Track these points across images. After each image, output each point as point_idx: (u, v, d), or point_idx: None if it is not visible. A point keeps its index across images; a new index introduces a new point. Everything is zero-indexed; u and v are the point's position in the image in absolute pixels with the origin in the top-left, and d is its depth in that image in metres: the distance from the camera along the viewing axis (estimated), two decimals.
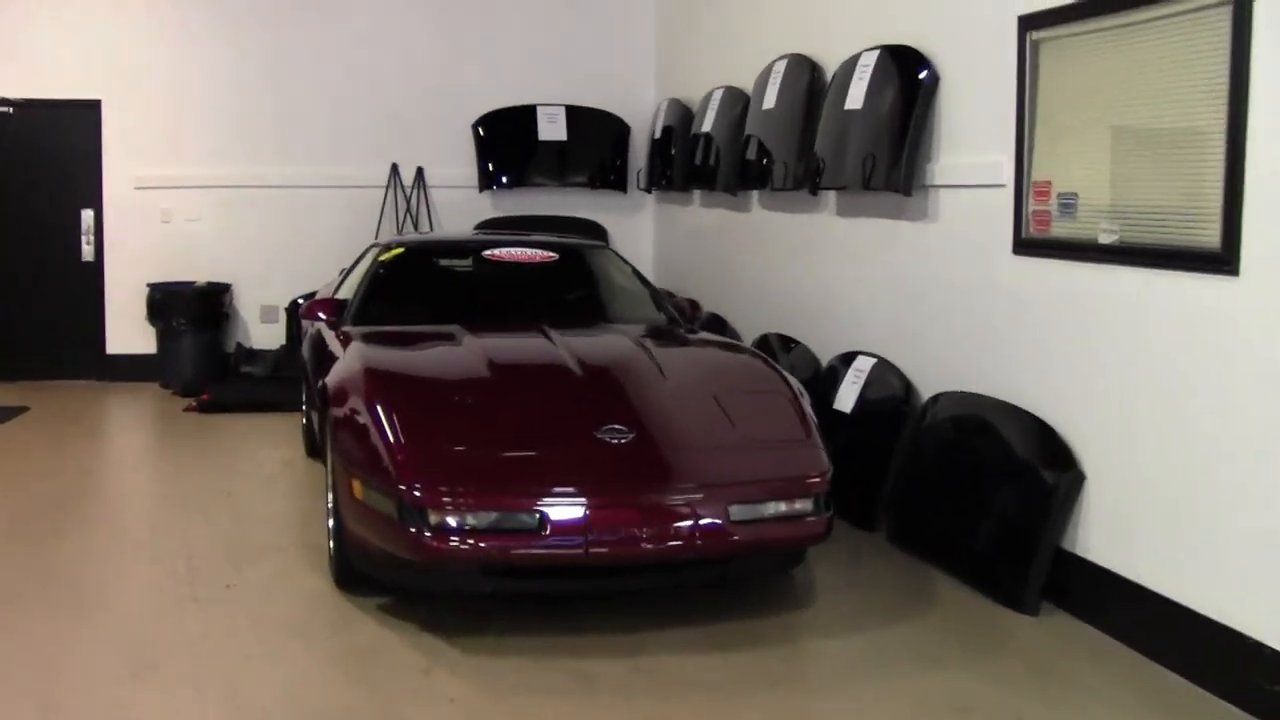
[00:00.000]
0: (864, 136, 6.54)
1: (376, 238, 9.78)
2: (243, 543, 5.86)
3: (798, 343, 7.70)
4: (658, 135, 10.17)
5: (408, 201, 10.15)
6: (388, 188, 10.16)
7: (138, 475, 7.51)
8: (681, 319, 6.71)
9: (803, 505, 4.83)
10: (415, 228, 10.12)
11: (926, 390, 6.25)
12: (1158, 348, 4.62)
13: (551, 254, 6.84)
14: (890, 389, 6.50)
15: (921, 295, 6.35)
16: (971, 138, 5.90)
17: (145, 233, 10.04)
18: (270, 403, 9.10)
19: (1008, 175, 5.56)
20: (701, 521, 4.59)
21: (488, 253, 6.75)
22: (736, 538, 4.66)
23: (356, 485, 4.76)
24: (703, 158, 9.07)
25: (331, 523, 5.33)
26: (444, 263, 7.08)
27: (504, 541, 4.49)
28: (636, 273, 7.00)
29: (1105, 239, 4.86)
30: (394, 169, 10.17)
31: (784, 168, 7.58)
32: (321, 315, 6.37)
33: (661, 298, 6.84)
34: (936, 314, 6.20)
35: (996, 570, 5.30)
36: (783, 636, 4.86)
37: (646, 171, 10.46)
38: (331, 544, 5.33)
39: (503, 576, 4.66)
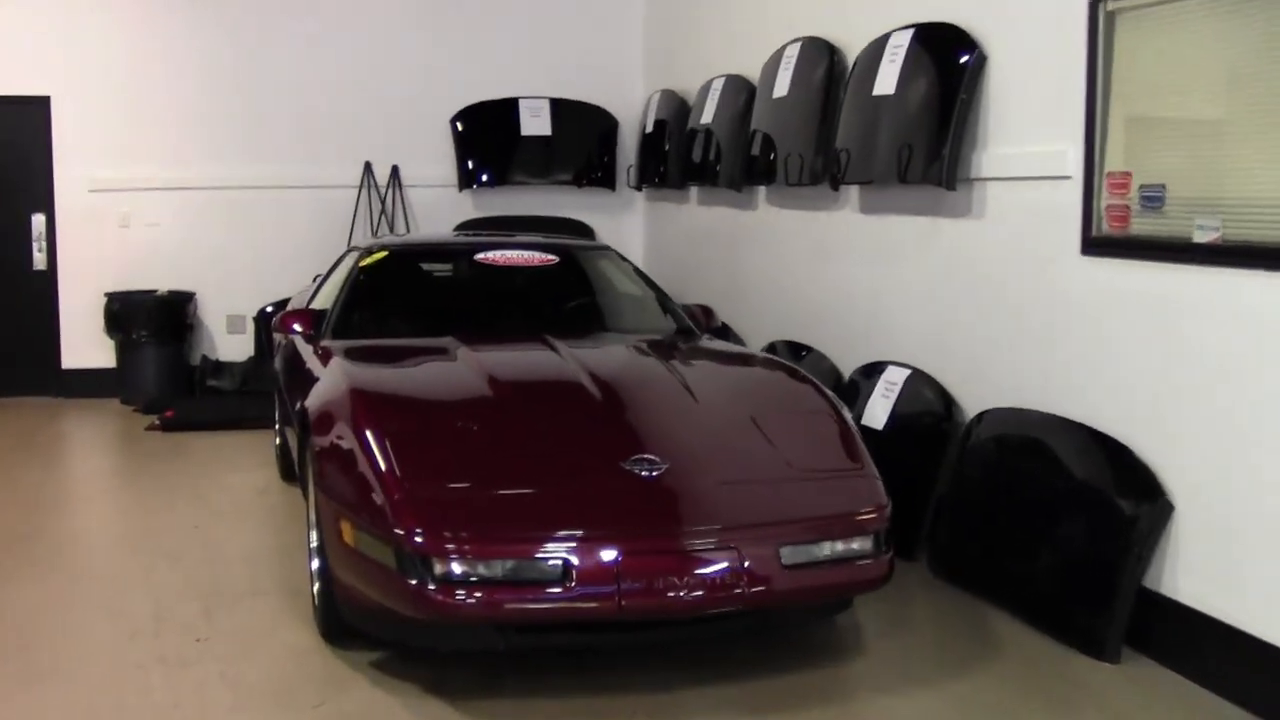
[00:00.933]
0: (897, 125, 5.95)
1: (350, 241, 9.21)
2: (215, 587, 5.20)
3: (810, 350, 7.10)
4: (649, 129, 9.57)
5: (383, 202, 9.50)
6: (361, 188, 9.52)
7: (95, 508, 6.78)
8: (695, 327, 6.08)
9: (860, 545, 4.22)
10: (391, 230, 9.47)
11: (970, 405, 5.66)
12: (1269, 359, 4.02)
13: (550, 256, 6.20)
14: (927, 403, 5.91)
15: (964, 300, 5.75)
16: (1027, 125, 5.31)
17: (101, 239, 9.32)
18: (239, 419, 8.44)
19: (1074, 166, 4.97)
20: (749, 566, 3.96)
21: (480, 256, 6.10)
22: (788, 585, 4.05)
23: (346, 528, 4.11)
24: (702, 152, 8.47)
25: (315, 565, 4.70)
26: (432, 268, 6.43)
27: (522, 594, 3.85)
28: (642, 276, 6.38)
29: (1201, 236, 4.26)
30: (367, 168, 9.52)
31: (799, 161, 6.97)
32: (297, 328, 5.70)
33: (672, 303, 6.22)
34: (983, 321, 5.61)
35: (1068, 611, 4.71)
36: (837, 692, 4.26)
37: (637, 168, 9.86)
38: (316, 590, 4.68)
39: (518, 632, 4.02)
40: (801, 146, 6.96)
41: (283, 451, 6.78)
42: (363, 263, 6.04)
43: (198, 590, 5.16)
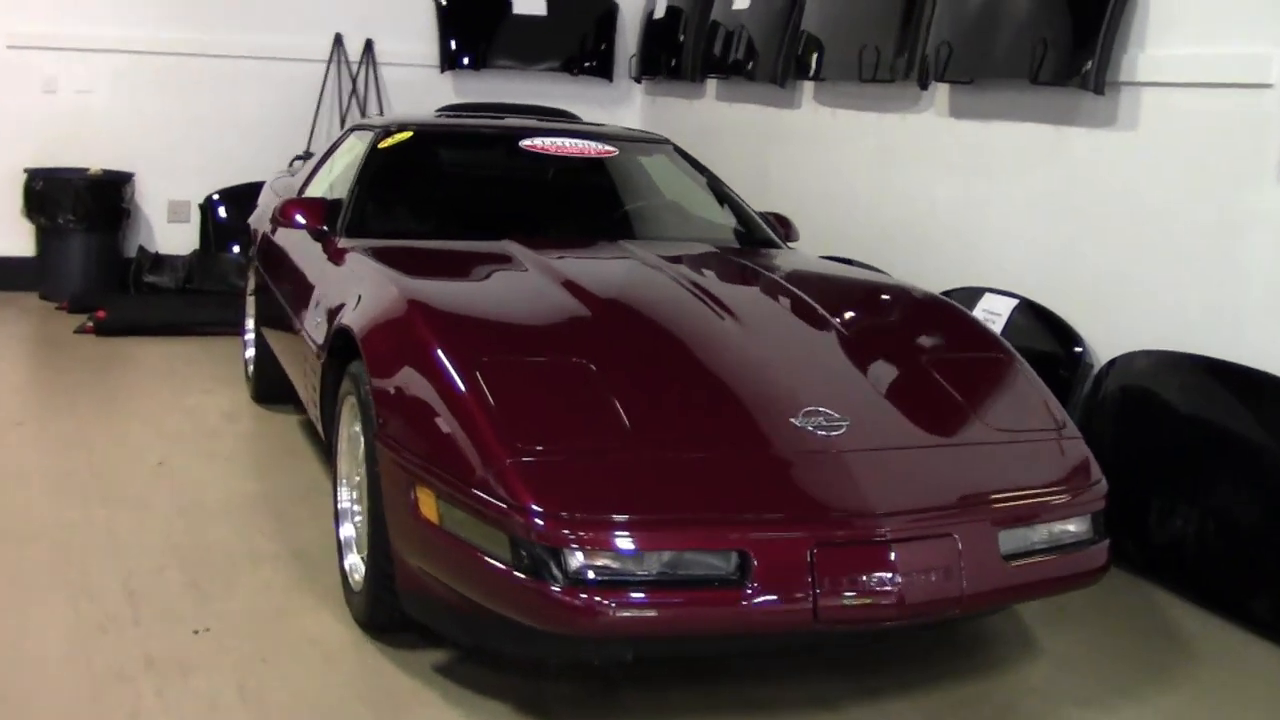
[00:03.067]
0: (1031, 14, 4.97)
1: (315, 121, 8.07)
2: (200, 551, 4.12)
3: (874, 270, 6.13)
4: (658, 14, 8.45)
5: (353, 80, 8.28)
6: (330, 62, 8.28)
7: (25, 437, 5.36)
8: (778, 238, 5.06)
9: (1077, 528, 3.31)
10: (362, 111, 8.26)
11: (1100, 347, 4.76)
12: None
13: (608, 148, 5.12)
14: (1042, 340, 5.00)
15: (1096, 224, 4.87)
16: (1210, 22, 4.40)
17: (21, 105, 7.92)
18: (185, 324, 7.26)
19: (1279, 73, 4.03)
20: (967, 559, 3.02)
21: (526, 143, 4.98)
22: (1008, 581, 3.14)
23: (426, 498, 3.08)
24: (728, 41, 7.39)
25: (345, 532, 3.76)
26: (466, 155, 5.30)
27: (685, 599, 2.85)
28: (708, 174, 5.32)
29: None
30: (338, 40, 8.28)
31: (874, 54, 5.94)
32: (302, 220, 4.58)
33: (749, 208, 5.19)
34: (1123, 250, 4.74)
35: (1264, 600, 3.87)
36: (1039, 710, 3.36)
37: (640, 58, 8.74)
38: (351, 566, 3.66)
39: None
40: (878, 36, 5.96)
41: (260, 368, 5.66)
42: (382, 145, 4.90)
43: (178, 555, 4.08)
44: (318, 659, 3.42)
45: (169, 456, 5.04)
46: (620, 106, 9.01)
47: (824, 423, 3.22)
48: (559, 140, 5.02)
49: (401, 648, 3.46)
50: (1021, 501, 3.21)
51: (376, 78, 8.37)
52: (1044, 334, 5.00)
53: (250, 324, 5.97)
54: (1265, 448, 3.99)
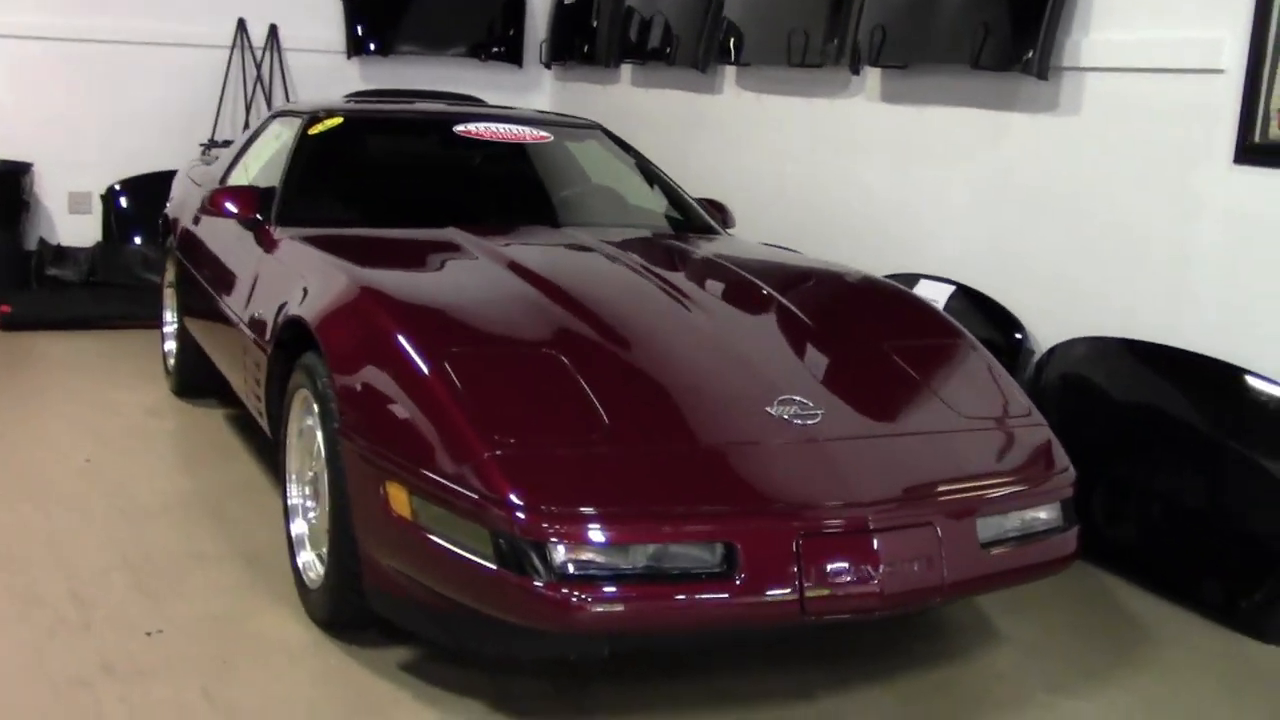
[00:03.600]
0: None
1: (220, 109, 7.83)
2: (142, 551, 3.98)
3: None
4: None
5: (258, 67, 8.05)
6: (233, 48, 8.03)
7: None
8: (715, 224, 5.03)
9: (1048, 515, 3.31)
10: (268, 100, 8.04)
11: (1040, 335, 4.80)
12: None
13: (543, 133, 5.03)
14: (981, 326, 4.98)
15: (1035, 212, 4.91)
16: (1155, 6, 4.46)
17: None
18: (95, 317, 7.01)
19: (1232, 58, 4.14)
20: (947, 546, 3.00)
21: (460, 128, 4.88)
22: (986, 569, 3.12)
23: (397, 495, 2.98)
24: (645, 25, 7.34)
25: (298, 529, 3.66)
26: (398, 141, 5.18)
27: (671, 594, 2.79)
28: (641, 160, 5.26)
29: None
30: (241, 26, 8.04)
31: (803, 38, 5.94)
32: (233, 209, 4.42)
33: (685, 194, 5.14)
34: (1062, 237, 4.79)
35: (1227, 589, 3.91)
36: (1009, 696, 3.35)
37: (550, 42, 8.64)
38: (305, 563, 3.57)
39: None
40: (806, 19, 5.95)
41: (182, 362, 5.48)
42: (312, 131, 4.75)
43: (120, 555, 3.93)
44: (281, 660, 3.31)
45: (95, 454, 4.86)
46: (530, 92, 8.89)
47: (799, 411, 3.18)
48: (494, 126, 4.93)
49: (364, 646, 3.37)
50: (997, 489, 3.20)
51: (282, 64, 8.16)
52: (983, 320, 5.01)
53: (170, 316, 5.78)
54: (1209, 433, 4.04)
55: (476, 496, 2.80)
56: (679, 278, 3.93)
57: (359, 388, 3.18)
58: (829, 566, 2.85)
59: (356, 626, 3.38)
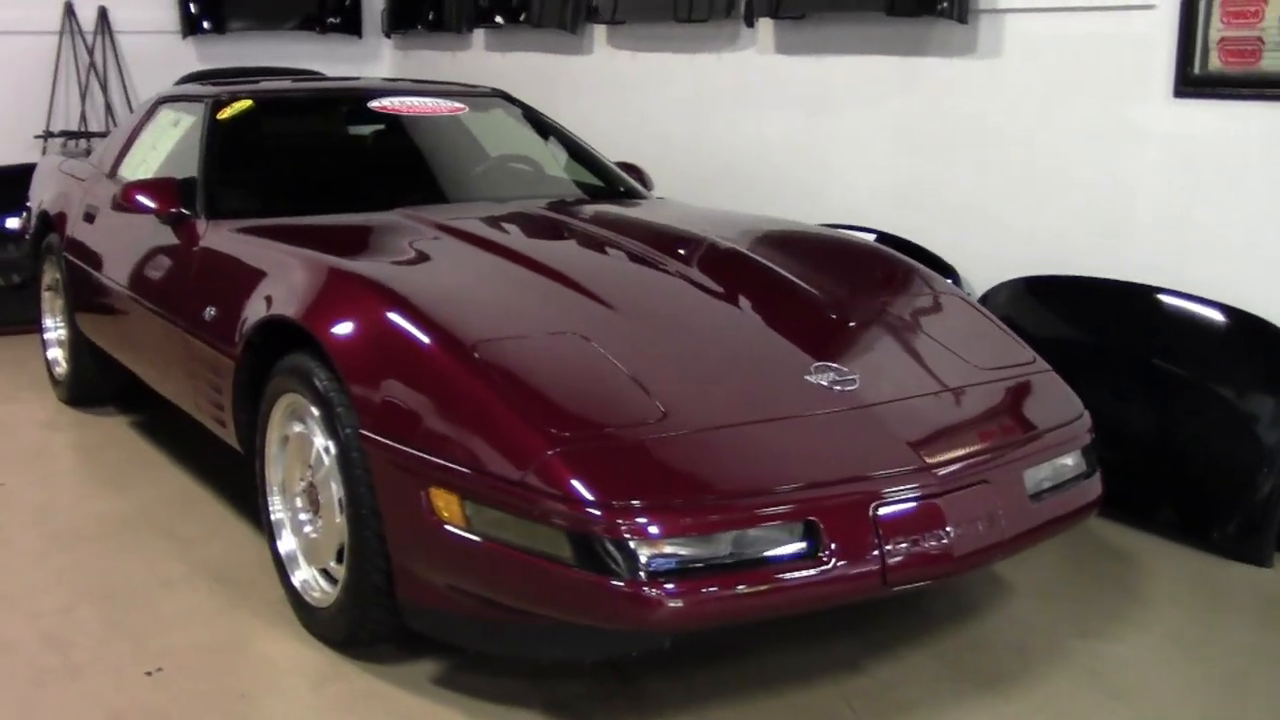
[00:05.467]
0: None
1: (53, 97, 7.28)
2: (102, 582, 3.67)
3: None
4: None
5: (90, 52, 7.51)
6: (62, 34, 7.47)
7: None
8: (641, 188, 4.89)
9: (1074, 461, 3.30)
10: (103, 87, 7.52)
11: (975, 275, 4.82)
12: None
13: (458, 105, 4.81)
14: None
15: (964, 154, 4.93)
16: None
17: None
18: None
19: None
20: (1003, 502, 2.98)
21: (375, 104, 4.62)
22: (1036, 520, 3.09)
23: (445, 500, 2.78)
24: None
25: (287, 547, 3.42)
26: (313, 121, 4.87)
27: (760, 579, 2.68)
28: (554, 126, 5.08)
29: None
30: (69, 10, 7.50)
31: None
32: (150, 203, 4.09)
33: (604, 159, 4.98)
34: (995, 178, 4.81)
35: (1199, 516, 4.02)
36: (1046, 645, 3.35)
37: (389, 10, 8.34)
38: (304, 582, 3.35)
39: None
40: None
41: (77, 370, 5.09)
42: (220, 116, 4.43)
43: (77, 588, 3.62)
44: (301, 687, 3.09)
45: (5, 477, 4.46)
46: (370, 63, 8.62)
47: (837, 378, 3.10)
48: (408, 100, 4.68)
49: (385, 663, 3.17)
50: (1033, 440, 3.18)
51: (115, 48, 7.65)
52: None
53: (51, 321, 5.36)
54: (1163, 363, 4.14)
55: (544, 496, 2.63)
56: (653, 246, 3.78)
57: (382, 389, 2.95)
58: (905, 534, 2.78)
59: (370, 644, 3.17)
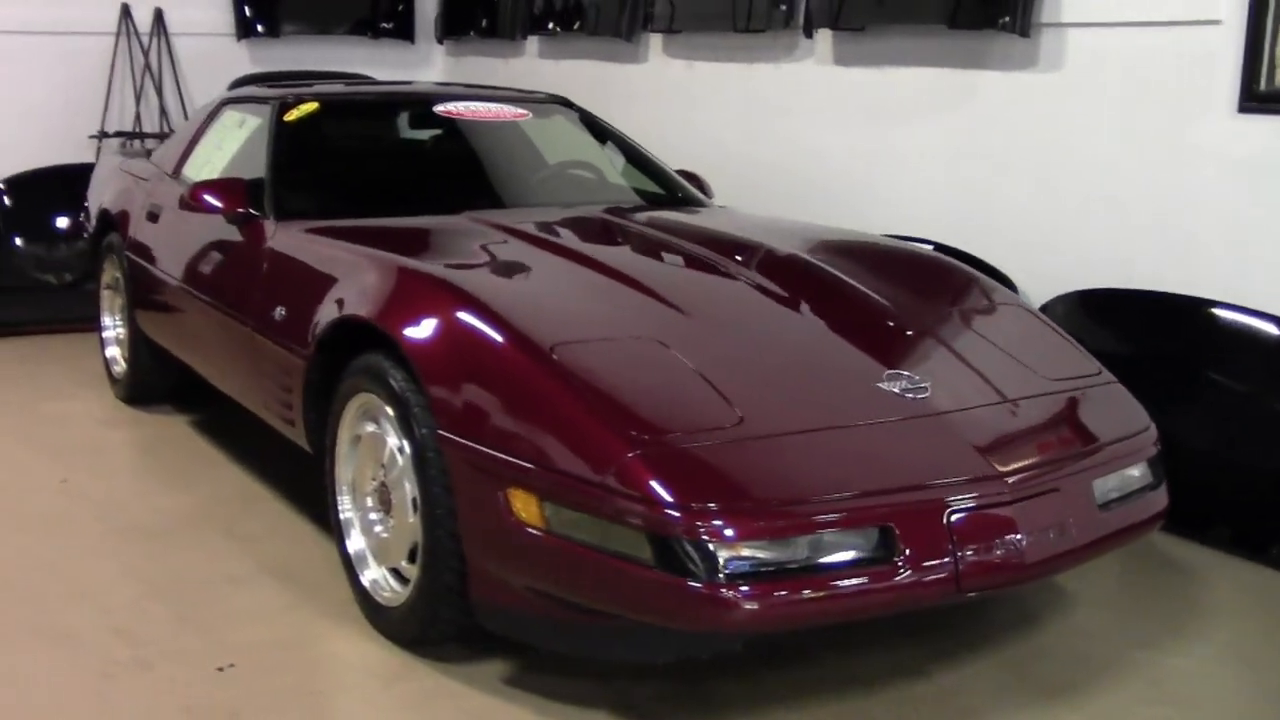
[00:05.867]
0: None
1: (108, 98, 7.33)
2: (169, 577, 3.71)
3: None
4: None
5: (145, 54, 7.58)
6: (118, 34, 7.54)
7: None
8: (702, 195, 4.92)
9: (1140, 473, 3.31)
10: (158, 89, 7.59)
11: (1034, 288, 4.82)
12: None
13: (522, 110, 4.84)
14: None
15: (1023, 167, 4.91)
16: None
17: None
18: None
19: (1229, 9, 4.19)
20: (1073, 510, 3.00)
21: (441, 108, 4.66)
22: (1104, 529, 3.10)
23: (524, 501, 2.81)
24: None
25: (356, 546, 3.45)
26: (379, 124, 4.92)
27: (836, 583, 2.70)
28: (616, 134, 5.10)
29: None
30: (125, 11, 7.56)
31: (747, 4, 5.86)
32: (216, 203, 4.13)
33: (665, 166, 5.00)
34: (1054, 190, 4.79)
35: (1262, 531, 4.01)
36: (1107, 655, 3.35)
37: (442, 17, 8.38)
38: (373, 581, 3.37)
39: None
40: None
41: (135, 368, 5.14)
42: (287, 118, 4.47)
43: (147, 585, 3.65)
44: (373, 686, 3.11)
45: (68, 473, 4.51)
46: (421, 69, 8.63)
47: (909, 386, 3.12)
48: (473, 105, 4.72)
49: (455, 662, 3.19)
50: (1102, 450, 3.19)
51: (170, 49, 7.71)
52: None
53: (109, 320, 5.42)
54: (1213, 374, 4.13)
55: (625, 498, 2.65)
56: (720, 253, 3.80)
57: (460, 390, 2.98)
58: (978, 540, 2.80)
59: (440, 642, 3.20)
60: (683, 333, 3.18)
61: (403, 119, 4.90)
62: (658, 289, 3.41)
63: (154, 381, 5.14)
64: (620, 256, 3.72)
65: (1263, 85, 4.12)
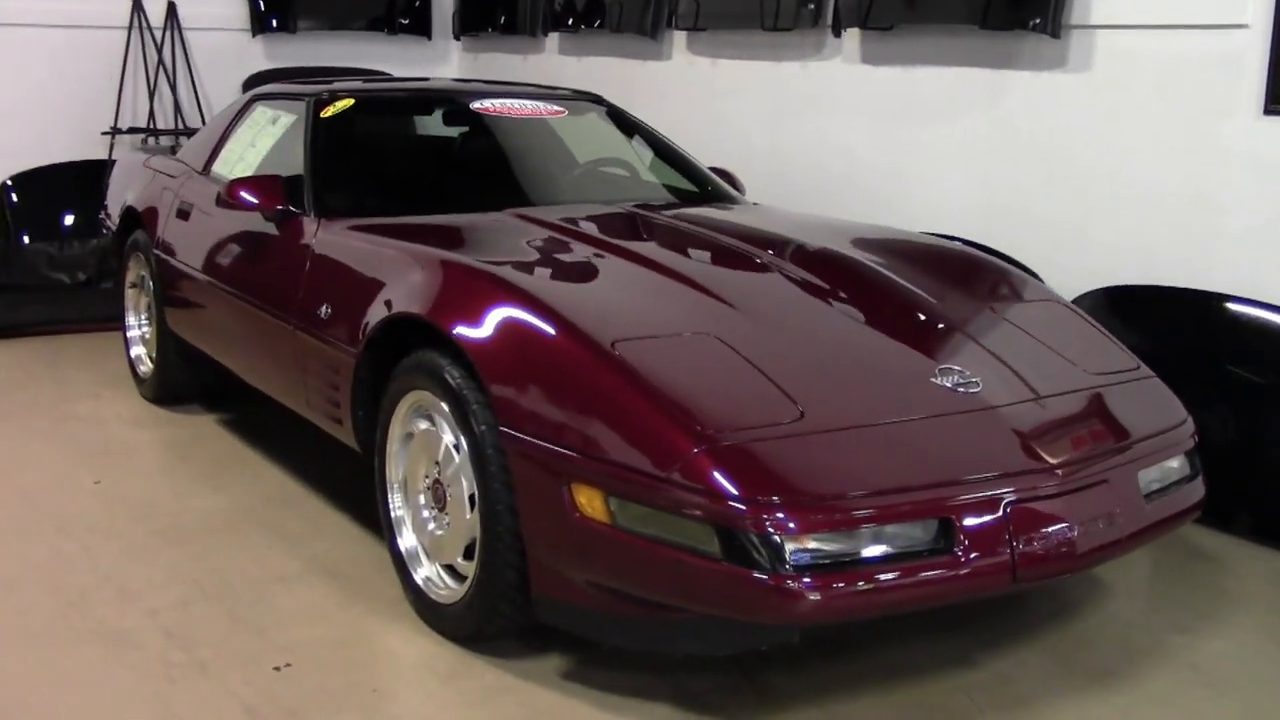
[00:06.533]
0: None
1: (120, 93, 7.33)
2: (215, 577, 3.72)
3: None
4: None
5: (159, 48, 7.58)
6: (130, 29, 7.53)
7: None
8: (736, 191, 4.96)
9: (1179, 465, 3.37)
10: (172, 85, 7.58)
11: (1061, 285, 4.86)
12: None
13: (557, 108, 4.87)
14: None
15: (1051, 166, 4.96)
16: None
17: None
18: (17, 325, 6.51)
19: (1256, 13, 4.25)
20: (1122, 503, 3.06)
21: (477, 105, 4.68)
22: (1148, 520, 3.16)
23: (588, 496, 2.84)
24: None
25: (408, 543, 3.48)
26: (416, 121, 4.93)
27: (900, 574, 2.74)
28: (648, 131, 5.13)
29: None
30: (136, 4, 7.54)
31: (774, 3, 5.89)
32: (254, 200, 4.15)
33: (698, 163, 5.03)
34: (1082, 190, 4.84)
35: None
36: (1147, 642, 3.42)
37: (459, 13, 8.39)
38: (428, 578, 3.40)
39: None
40: None
41: (163, 368, 5.15)
42: (324, 114, 4.48)
43: (193, 585, 3.66)
44: (433, 683, 3.14)
45: (101, 474, 4.52)
46: (439, 65, 8.65)
47: (960, 381, 3.16)
48: (510, 102, 4.74)
49: (512, 658, 3.22)
50: (1144, 442, 3.24)
51: (184, 44, 7.70)
52: None
53: (134, 319, 5.43)
54: (1235, 368, 4.20)
55: (691, 491, 2.68)
56: (763, 249, 3.83)
57: (521, 386, 3.00)
58: (1034, 531, 2.86)
59: (495, 638, 3.22)
60: (737, 328, 3.21)
61: (439, 116, 4.91)
62: (708, 285, 3.45)
63: (183, 381, 5.14)
64: (667, 253, 3.74)
65: None
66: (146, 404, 5.34)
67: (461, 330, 3.17)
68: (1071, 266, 4.82)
